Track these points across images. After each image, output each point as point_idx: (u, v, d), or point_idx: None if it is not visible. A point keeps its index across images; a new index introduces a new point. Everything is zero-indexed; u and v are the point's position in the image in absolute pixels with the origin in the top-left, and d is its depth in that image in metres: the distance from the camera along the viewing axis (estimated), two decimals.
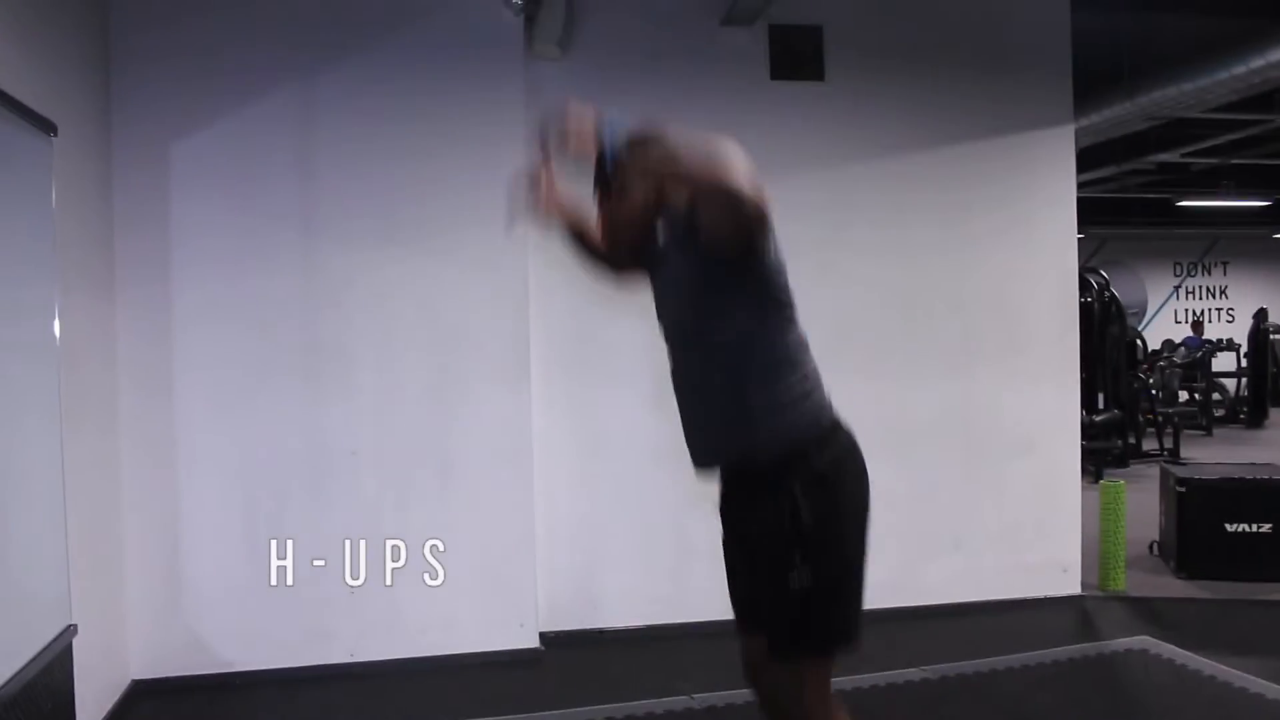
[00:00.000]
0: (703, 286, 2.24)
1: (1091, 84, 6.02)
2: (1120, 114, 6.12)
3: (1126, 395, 10.78)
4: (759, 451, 2.24)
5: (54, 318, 3.55)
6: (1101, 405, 10.65)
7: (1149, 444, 11.29)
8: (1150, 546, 6.60)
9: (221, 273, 4.59)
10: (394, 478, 4.74)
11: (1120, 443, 10.33)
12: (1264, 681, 4.08)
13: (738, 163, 1.93)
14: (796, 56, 5.20)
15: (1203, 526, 6.04)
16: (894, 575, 5.31)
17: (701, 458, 2.41)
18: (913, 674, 4.41)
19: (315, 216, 4.68)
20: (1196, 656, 4.47)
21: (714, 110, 5.10)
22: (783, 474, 2.20)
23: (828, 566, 2.21)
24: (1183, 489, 6.11)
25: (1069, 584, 5.59)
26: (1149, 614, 5.38)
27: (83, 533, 3.76)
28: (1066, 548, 5.58)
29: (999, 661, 4.53)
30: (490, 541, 4.81)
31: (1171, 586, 5.91)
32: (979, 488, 5.50)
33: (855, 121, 5.32)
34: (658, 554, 5.18)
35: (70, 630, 3.54)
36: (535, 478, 4.91)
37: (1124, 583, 5.81)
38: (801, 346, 2.29)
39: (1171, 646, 4.64)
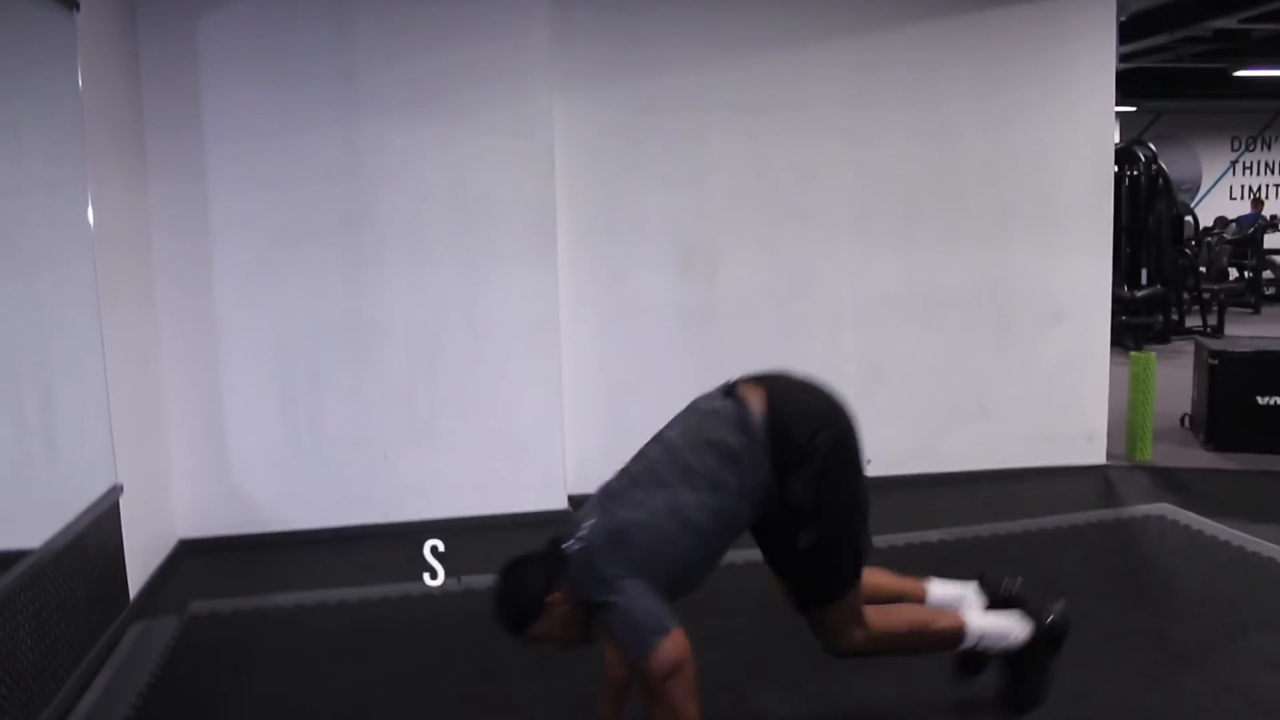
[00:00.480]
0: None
1: None
2: None
3: (1171, 271, 10.60)
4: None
5: (87, 191, 3.63)
6: (1145, 281, 10.52)
7: (1193, 321, 11.13)
8: (1182, 420, 6.59)
9: (254, 146, 4.65)
10: (425, 345, 4.85)
11: (1161, 318, 10.21)
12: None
13: None
14: None
15: (1233, 399, 6.01)
16: (920, 442, 5.43)
17: None
18: (930, 535, 4.51)
19: (349, 90, 4.71)
20: (1214, 523, 4.50)
21: None
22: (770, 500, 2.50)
23: (827, 527, 2.49)
24: (1215, 361, 6.08)
25: (1094, 453, 5.62)
26: (1172, 483, 5.41)
27: (124, 399, 3.92)
28: (1093, 417, 5.60)
29: (1017, 525, 4.61)
30: (519, 407, 4.94)
31: (1199, 458, 5.93)
32: (1007, 357, 5.52)
33: None
34: None
35: (116, 490, 3.72)
36: (563, 345, 5.00)
37: (1151, 453, 5.83)
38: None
39: (1190, 513, 4.67)
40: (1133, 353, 5.95)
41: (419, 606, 3.92)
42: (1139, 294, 10.16)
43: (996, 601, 2.87)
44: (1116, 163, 10.26)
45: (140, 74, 4.47)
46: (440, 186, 4.80)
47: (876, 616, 2.60)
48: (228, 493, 4.75)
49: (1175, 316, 10.66)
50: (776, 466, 2.41)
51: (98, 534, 3.53)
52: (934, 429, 5.47)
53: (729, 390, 2.58)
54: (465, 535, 4.76)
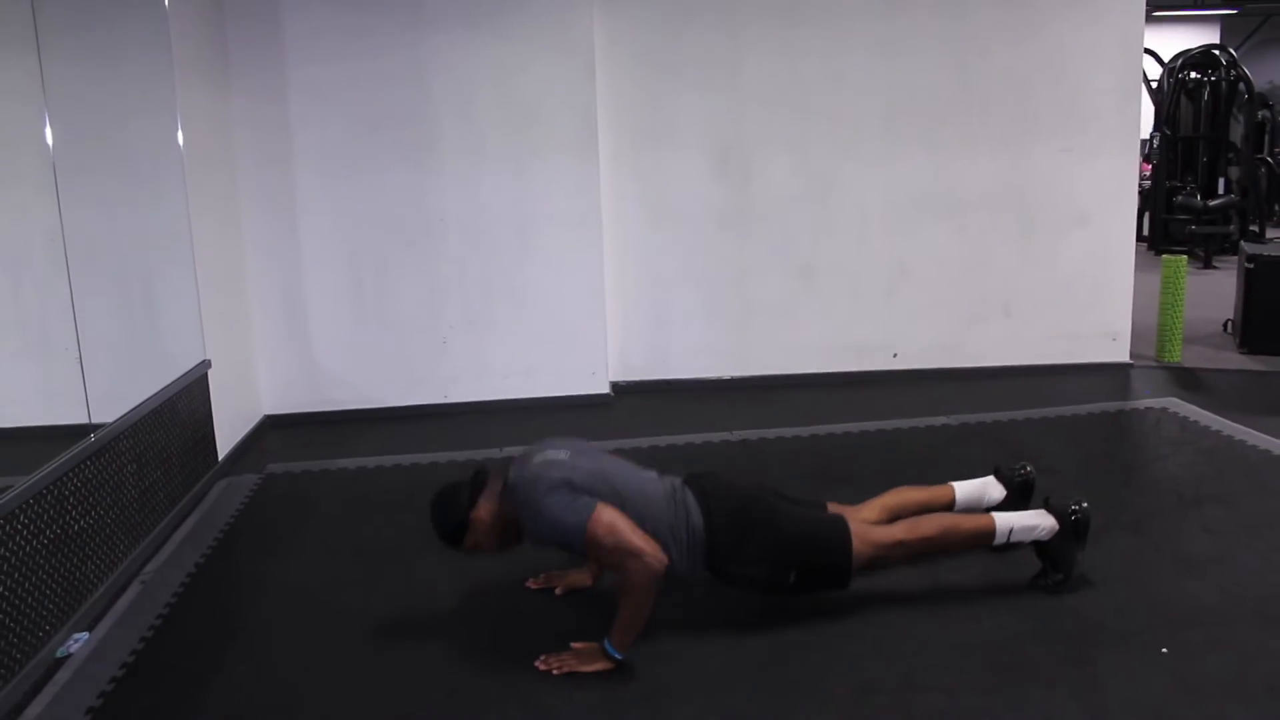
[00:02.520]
0: None
1: None
2: None
3: (1249, 180, 10.45)
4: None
5: (176, 108, 4.14)
6: (1221, 190, 10.40)
7: (1275, 232, 10.97)
8: (1225, 325, 6.74)
9: (329, 63, 5.15)
10: (477, 240, 5.33)
11: (1234, 228, 10.11)
12: (1274, 439, 4.33)
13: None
14: None
15: (1267, 303, 6.15)
16: (944, 338, 5.75)
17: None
18: (936, 420, 4.86)
19: (415, 7, 5.13)
20: (1214, 416, 4.74)
21: None
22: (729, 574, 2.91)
23: (783, 568, 2.86)
24: (1250, 265, 6.19)
25: (1118, 352, 5.85)
26: (1191, 382, 5.62)
27: (213, 290, 4.50)
28: (1117, 317, 5.82)
29: (1020, 413, 4.93)
30: (564, 298, 5.39)
31: (1230, 360, 6.09)
32: (1031, 258, 5.75)
33: None
34: (721, 312, 5.68)
35: (204, 364, 4.32)
36: (605, 241, 5.42)
37: (1179, 355, 6.03)
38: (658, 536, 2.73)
39: (1193, 407, 4.92)
40: (1163, 256, 6.07)
41: (462, 469, 4.45)
42: (1212, 203, 10.07)
43: (1013, 488, 3.25)
44: (1194, 68, 10.16)
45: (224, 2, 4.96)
46: (492, 95, 5.21)
47: (906, 528, 2.95)
48: (306, 374, 5.35)
49: (1255, 226, 10.53)
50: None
51: (188, 400, 4.13)
52: (958, 325, 5.76)
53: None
54: (514, 414, 5.30)
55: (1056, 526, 3.01)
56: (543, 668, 2.64)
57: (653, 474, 2.94)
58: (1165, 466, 4.20)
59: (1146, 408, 5.01)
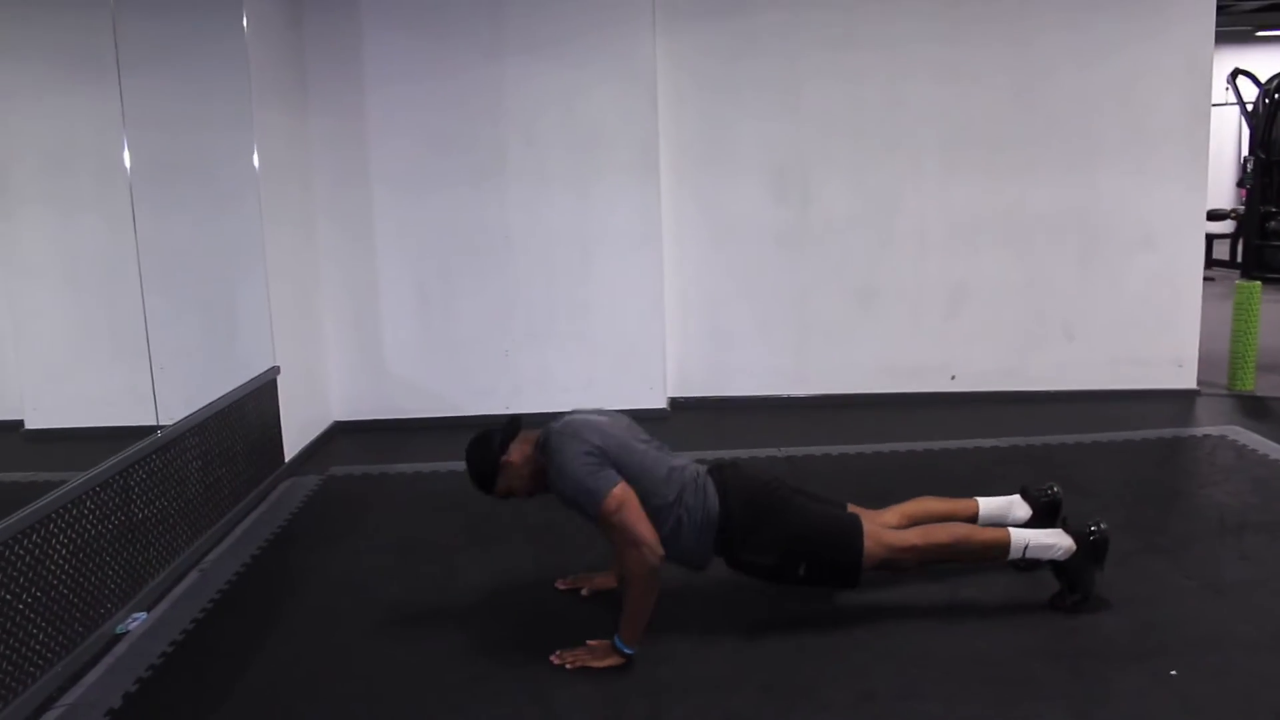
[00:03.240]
0: None
1: None
2: None
3: None
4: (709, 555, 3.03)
5: (253, 129, 4.43)
6: None
7: None
8: None
9: (407, 86, 5.41)
10: (542, 258, 5.51)
11: None
12: None
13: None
14: None
15: None
16: (1004, 361, 5.74)
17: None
18: (986, 442, 4.86)
19: (494, 36, 5.37)
20: (1276, 445, 4.65)
21: None
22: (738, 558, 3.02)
23: (789, 558, 2.96)
24: None
25: (1184, 378, 5.74)
26: (1261, 411, 5.48)
27: (285, 301, 4.77)
28: (1183, 343, 5.71)
29: (1072, 437, 4.89)
30: (625, 315, 5.54)
31: None
32: (1094, 282, 5.69)
33: None
34: (779, 332, 5.76)
35: (274, 370, 4.58)
36: (665, 261, 5.56)
37: (1253, 384, 5.89)
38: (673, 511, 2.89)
39: (1256, 436, 4.82)
40: (1237, 282, 5.95)
41: None
42: None
43: (1039, 507, 3.27)
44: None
45: (303, 27, 5.26)
46: (557, 118, 5.41)
47: (920, 534, 3.02)
48: (375, 382, 5.61)
49: None
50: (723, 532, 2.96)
51: (257, 403, 4.39)
52: (1019, 349, 5.73)
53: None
54: None
55: (1074, 547, 3.02)
56: (556, 662, 2.77)
57: (683, 460, 3.05)
58: (1212, 493, 4.14)
59: (1205, 434, 4.93)
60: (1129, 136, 5.55)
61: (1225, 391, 5.85)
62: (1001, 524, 3.22)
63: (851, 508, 3.10)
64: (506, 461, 2.93)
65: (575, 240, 5.51)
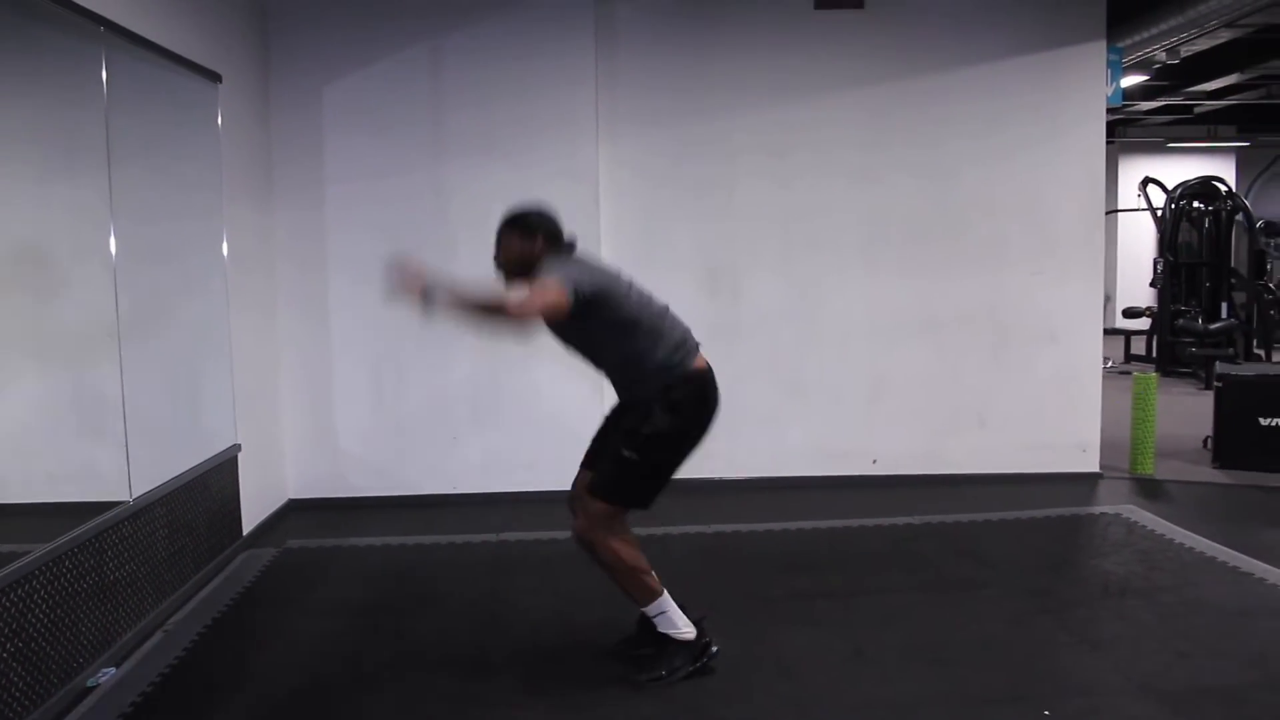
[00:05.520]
0: (585, 339, 3.39)
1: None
2: (1172, 26, 6.45)
3: (1251, 306, 10.81)
4: (639, 397, 3.37)
5: (222, 225, 4.78)
6: (1225, 314, 10.76)
7: None
8: (1204, 441, 7.05)
9: (363, 183, 5.79)
10: (487, 346, 5.82)
11: (1232, 350, 10.42)
12: (1221, 547, 4.59)
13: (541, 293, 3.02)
14: None
15: (1237, 420, 6.47)
16: (922, 446, 6.14)
17: (619, 398, 3.53)
18: (900, 520, 5.23)
19: (437, 137, 5.79)
20: (1166, 523, 5.05)
21: (764, 38, 5.95)
22: (649, 403, 3.31)
23: (647, 457, 3.30)
24: (1219, 384, 6.56)
25: (1088, 462, 6.20)
26: (1156, 492, 5.93)
27: (246, 377, 5.05)
28: (1086, 430, 6.18)
29: (981, 515, 5.29)
30: (567, 399, 5.81)
31: (1202, 474, 6.38)
32: (1004, 373, 6.16)
33: (892, 45, 5.96)
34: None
35: (235, 448, 4.85)
36: None
37: (1152, 468, 6.34)
38: (655, 336, 3.32)
39: (1148, 514, 5.24)
40: (1134, 374, 6.46)
41: (461, 550, 4.93)
42: (1214, 326, 10.42)
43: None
44: (1195, 198, 10.65)
45: (270, 128, 5.66)
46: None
47: (620, 543, 3.31)
48: (329, 462, 5.87)
49: (1259, 350, 10.83)
50: (668, 391, 3.29)
51: (219, 478, 4.66)
52: (936, 435, 6.16)
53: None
54: (519, 505, 5.75)
55: (693, 636, 3.35)
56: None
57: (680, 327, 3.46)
58: (1101, 564, 4.55)
59: (1101, 513, 5.36)
60: (1032, 239, 6.09)
61: (1126, 475, 6.30)
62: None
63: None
64: (536, 235, 3.32)
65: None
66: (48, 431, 3.81)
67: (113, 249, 3.69)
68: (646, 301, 3.37)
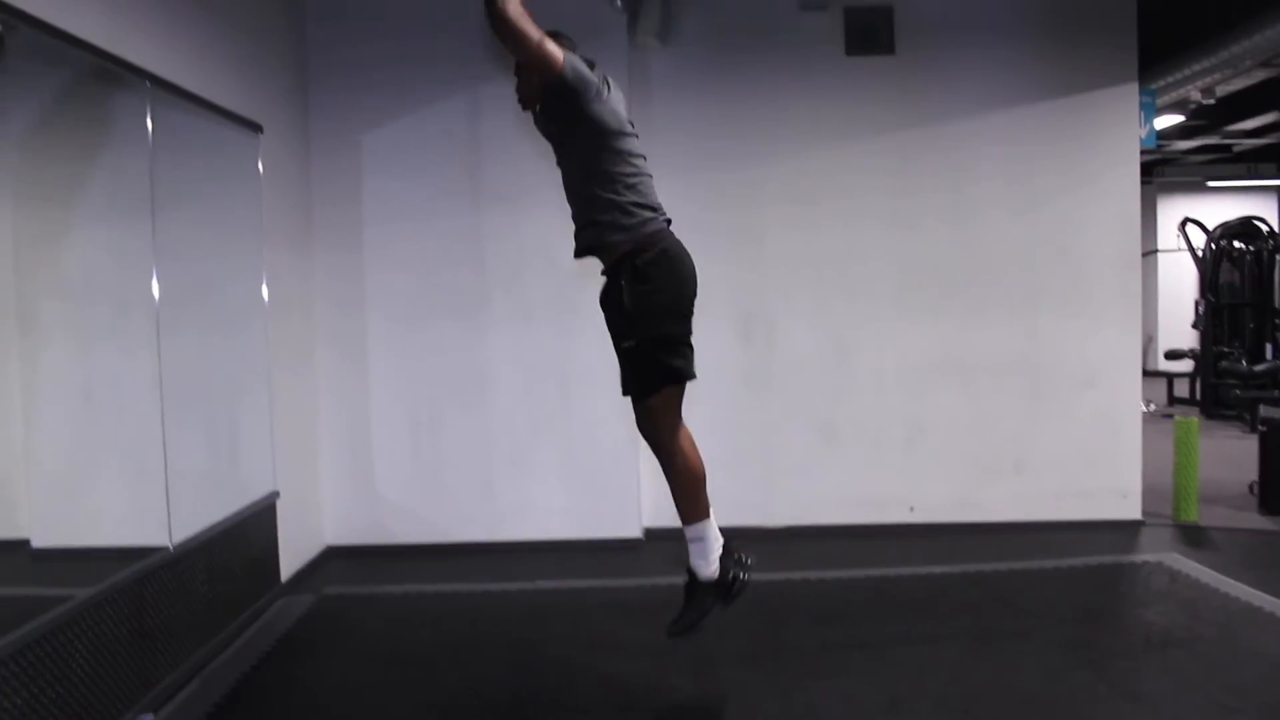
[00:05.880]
0: (568, 152, 3.41)
1: (1177, 40, 6.42)
2: (1205, 67, 6.44)
3: None
4: (603, 249, 3.34)
5: (262, 269, 4.88)
6: (1270, 355, 10.62)
7: None
8: (1250, 486, 6.93)
9: (401, 225, 5.89)
10: (524, 392, 5.90)
11: (1278, 392, 10.25)
12: (1268, 597, 4.45)
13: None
14: (869, 34, 5.93)
15: None
16: (960, 493, 6.09)
17: (577, 247, 3.47)
18: (937, 569, 5.18)
19: (474, 181, 5.89)
20: (1210, 571, 4.95)
21: (795, 85, 6.00)
22: (618, 272, 3.29)
23: (644, 335, 3.27)
24: (1264, 428, 6.46)
25: (1129, 509, 6.11)
26: (1200, 540, 5.83)
27: (286, 428, 5.13)
28: (1127, 476, 6.10)
29: (1019, 564, 5.22)
30: (601, 448, 5.90)
31: (1247, 520, 6.28)
32: (1042, 419, 6.10)
33: (924, 90, 6.01)
34: (746, 466, 6.11)
35: (273, 495, 4.91)
36: None
37: (1196, 514, 6.25)
38: (629, 182, 3.31)
39: (1191, 562, 5.15)
40: (1175, 419, 6.38)
41: (496, 598, 4.94)
42: (1258, 368, 10.28)
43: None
44: (1235, 238, 10.55)
45: (311, 174, 5.79)
46: (538, 263, 5.88)
47: (689, 447, 3.36)
48: (366, 508, 5.92)
49: None
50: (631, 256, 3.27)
51: (257, 525, 4.71)
52: (973, 482, 6.10)
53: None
54: (552, 553, 5.76)
55: (715, 575, 3.36)
56: None
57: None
58: (1142, 614, 4.47)
59: (1143, 561, 5.27)
60: (1066, 283, 6.06)
61: (1169, 522, 6.20)
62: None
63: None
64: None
65: (556, 376, 5.92)
66: (93, 476, 3.89)
67: (155, 293, 3.78)
68: (637, 152, 3.39)
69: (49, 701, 2.92)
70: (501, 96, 5.83)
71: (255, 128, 4.82)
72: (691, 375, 3.36)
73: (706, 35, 6.01)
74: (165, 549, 3.73)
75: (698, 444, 3.48)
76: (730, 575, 3.40)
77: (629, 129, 3.36)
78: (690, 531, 3.37)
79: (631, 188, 3.31)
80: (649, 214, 3.35)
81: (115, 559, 3.53)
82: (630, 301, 3.24)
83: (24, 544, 3.57)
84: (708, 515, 3.39)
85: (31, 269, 3.41)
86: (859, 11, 5.93)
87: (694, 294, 3.41)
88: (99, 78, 3.56)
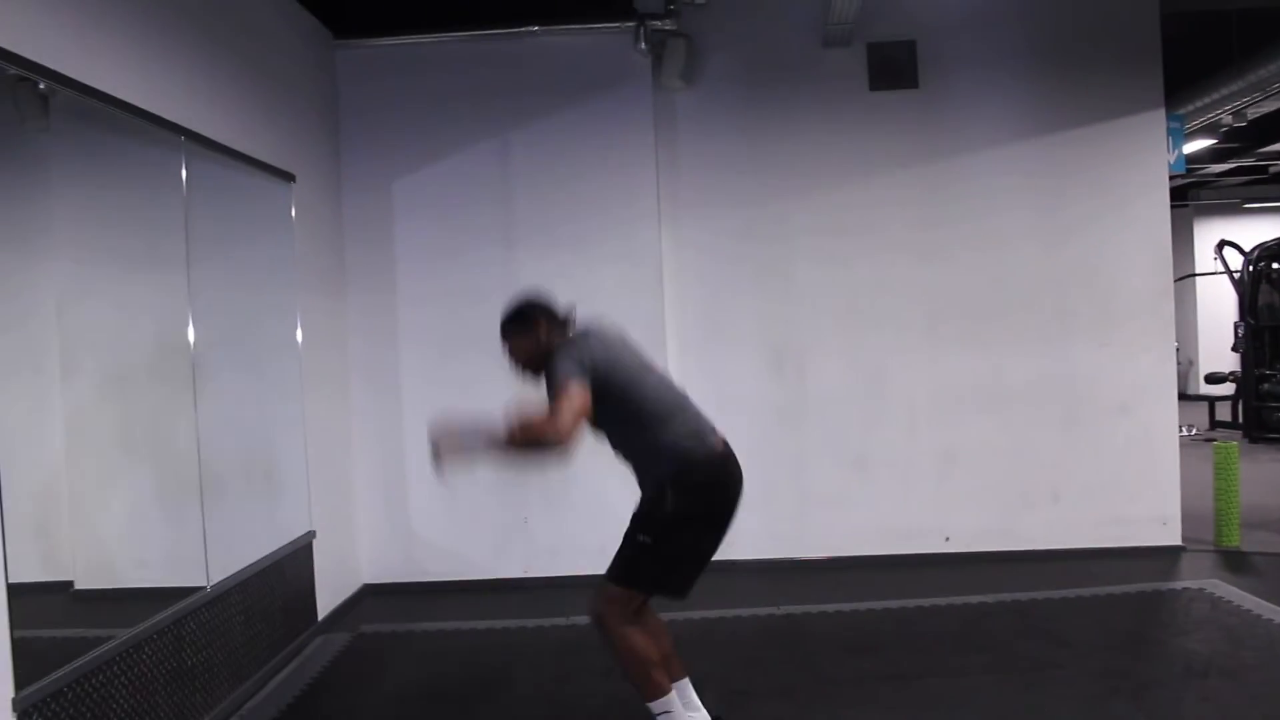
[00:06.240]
0: (605, 419, 3.33)
1: (1203, 65, 6.40)
2: (1233, 91, 6.42)
3: None
4: (651, 488, 3.33)
5: (296, 311, 4.98)
6: None
7: None
8: None
9: (432, 264, 5.99)
10: None
11: None
12: None
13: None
14: (892, 68, 5.97)
15: None
16: (995, 523, 6.05)
17: (639, 488, 3.41)
18: (973, 598, 5.14)
19: (506, 221, 5.99)
20: (1253, 598, 4.88)
21: (820, 120, 6.05)
22: (662, 486, 3.28)
23: (661, 542, 3.26)
24: None
25: (1169, 536, 6.03)
26: (1242, 566, 5.73)
27: (321, 467, 5.20)
28: (1166, 502, 6.02)
29: (1057, 593, 5.17)
30: (633, 484, 5.87)
31: None
32: (1077, 446, 6.05)
33: (948, 122, 6.03)
34: (779, 498, 6.11)
35: (310, 534, 4.98)
36: None
37: (1238, 540, 6.15)
38: (668, 419, 3.31)
39: (1233, 589, 5.08)
40: (1215, 443, 6.30)
41: (531, 634, 4.96)
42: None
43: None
44: (1273, 259, 10.43)
45: (343, 219, 5.90)
46: (569, 295, 5.88)
47: (632, 631, 3.28)
48: (402, 546, 5.98)
49: None
50: (679, 475, 3.26)
51: (294, 564, 4.78)
52: (1008, 511, 6.05)
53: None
54: (589, 590, 5.76)
55: None
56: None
57: (696, 413, 3.42)
58: (1183, 642, 4.40)
59: (1184, 588, 5.20)
60: (1097, 311, 6.02)
61: (1211, 547, 6.11)
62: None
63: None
64: (536, 324, 3.38)
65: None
66: (134, 519, 3.96)
67: (191, 339, 3.87)
68: (665, 385, 3.42)
69: None
70: (531, 140, 5.98)
71: (288, 177, 4.93)
72: (676, 594, 3.33)
73: (731, 74, 6.08)
74: (203, 589, 3.80)
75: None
76: None
77: (636, 360, 3.44)
78: (653, 709, 3.29)
79: (671, 422, 3.33)
80: (696, 439, 3.34)
81: (155, 600, 3.60)
82: (669, 510, 3.25)
83: (68, 585, 3.66)
84: (667, 692, 3.29)
85: (74, 319, 3.50)
86: (882, 46, 5.98)
87: (728, 516, 3.37)
88: (137, 133, 3.68)
